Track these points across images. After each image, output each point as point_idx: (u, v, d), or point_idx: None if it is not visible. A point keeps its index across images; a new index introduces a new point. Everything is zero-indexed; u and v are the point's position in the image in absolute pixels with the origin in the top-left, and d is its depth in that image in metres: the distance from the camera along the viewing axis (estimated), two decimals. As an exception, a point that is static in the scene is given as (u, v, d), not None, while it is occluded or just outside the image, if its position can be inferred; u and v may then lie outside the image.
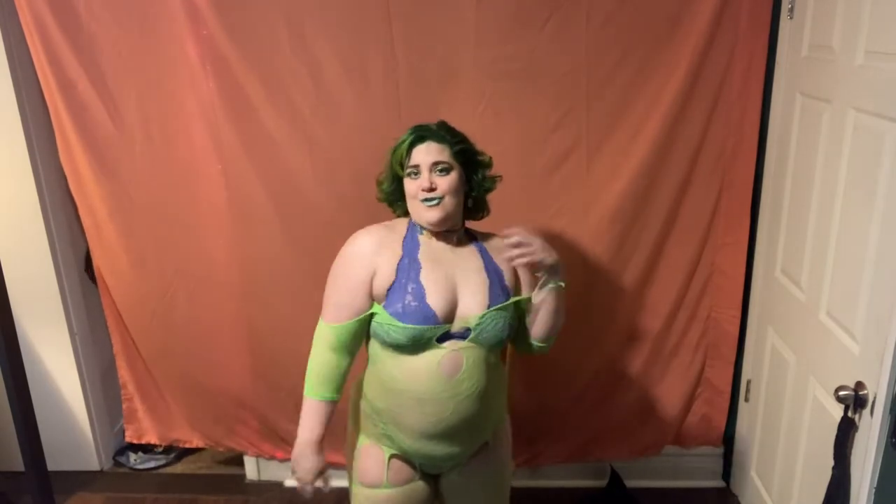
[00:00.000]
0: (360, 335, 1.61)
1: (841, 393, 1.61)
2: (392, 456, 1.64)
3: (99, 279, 2.60)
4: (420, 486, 1.68)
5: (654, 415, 2.53)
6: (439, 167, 1.54)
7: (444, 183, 1.54)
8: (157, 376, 2.70)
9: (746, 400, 2.43)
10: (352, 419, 1.75)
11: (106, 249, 2.52)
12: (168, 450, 2.91)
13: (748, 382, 2.41)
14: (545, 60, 2.14)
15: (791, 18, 2.05)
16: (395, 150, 1.58)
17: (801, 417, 1.97)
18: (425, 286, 1.53)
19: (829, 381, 1.75)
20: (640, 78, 2.15)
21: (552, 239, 2.30)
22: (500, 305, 1.56)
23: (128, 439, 2.81)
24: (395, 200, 1.65)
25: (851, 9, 1.69)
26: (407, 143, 1.56)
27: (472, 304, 1.55)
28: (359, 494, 1.71)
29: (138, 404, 2.76)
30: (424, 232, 1.61)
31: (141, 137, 2.33)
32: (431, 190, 1.53)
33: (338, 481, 1.75)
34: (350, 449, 1.75)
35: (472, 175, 1.61)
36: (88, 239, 2.56)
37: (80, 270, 2.74)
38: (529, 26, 2.11)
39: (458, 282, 1.56)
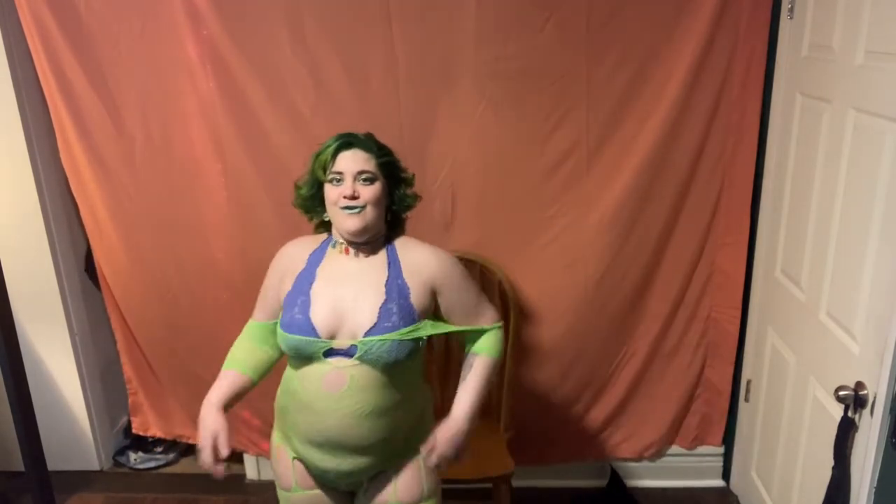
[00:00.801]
0: (274, 336, 1.62)
1: (841, 393, 1.61)
2: (294, 458, 1.62)
3: (101, 277, 2.60)
4: (320, 495, 1.64)
5: (654, 415, 2.53)
6: (363, 176, 1.50)
7: (368, 192, 1.50)
8: (160, 373, 2.71)
9: (746, 400, 2.43)
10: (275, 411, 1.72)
11: (107, 248, 2.52)
12: (168, 450, 2.92)
13: (748, 382, 2.41)
14: (545, 60, 2.14)
15: (791, 18, 2.05)
16: (318, 155, 1.54)
17: (801, 417, 1.97)
18: (312, 300, 1.50)
19: (829, 381, 1.75)
20: (640, 78, 2.15)
21: (552, 239, 2.31)
22: (380, 337, 1.46)
23: (134, 430, 2.82)
24: (313, 206, 1.60)
25: (851, 9, 1.69)
26: (332, 148, 1.52)
27: (361, 322, 1.48)
28: (280, 496, 1.71)
29: (143, 399, 2.77)
30: (337, 245, 1.57)
31: (141, 137, 2.33)
32: (354, 198, 1.48)
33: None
34: (271, 447, 1.73)
35: (395, 189, 1.57)
36: (90, 238, 2.56)
37: (80, 270, 2.74)
38: (529, 26, 2.11)
39: (349, 297, 1.51)
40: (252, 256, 2.39)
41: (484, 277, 2.26)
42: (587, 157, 2.23)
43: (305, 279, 1.55)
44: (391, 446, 1.56)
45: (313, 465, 1.59)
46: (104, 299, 2.66)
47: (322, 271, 1.55)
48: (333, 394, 1.48)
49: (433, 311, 1.59)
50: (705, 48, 2.12)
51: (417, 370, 1.60)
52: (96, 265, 2.60)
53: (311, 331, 1.48)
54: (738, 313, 2.39)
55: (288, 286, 1.56)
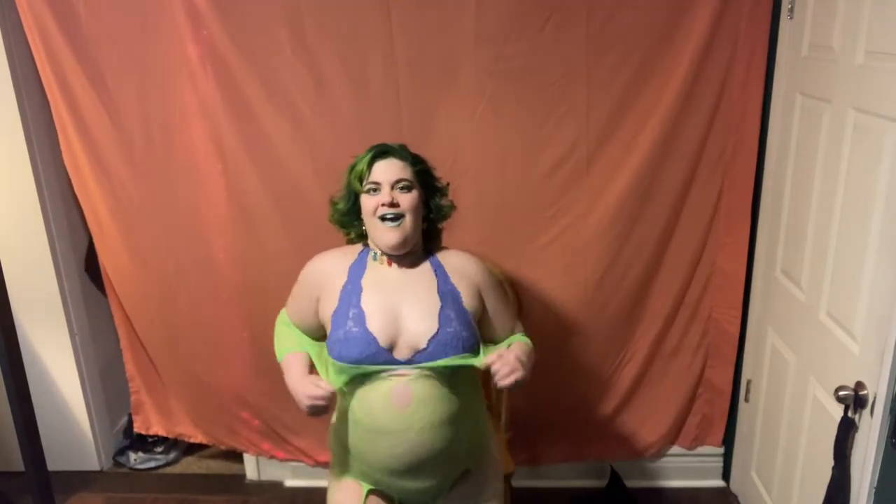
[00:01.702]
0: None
1: (841, 393, 1.61)
2: (370, 491, 1.59)
3: (104, 275, 2.61)
4: None
5: (655, 415, 2.53)
6: (401, 184, 1.50)
7: (406, 200, 1.49)
8: (162, 373, 2.71)
9: (746, 400, 2.43)
10: (332, 451, 1.69)
11: (108, 247, 2.53)
12: (168, 450, 2.92)
13: (748, 382, 2.41)
14: (545, 60, 2.14)
15: (791, 18, 2.04)
16: (354, 166, 1.53)
17: (801, 417, 1.97)
18: (366, 311, 1.48)
19: (829, 381, 1.75)
20: (641, 78, 2.15)
21: (552, 239, 2.31)
22: (442, 362, 1.44)
23: (136, 429, 2.82)
24: (350, 221, 1.59)
25: (851, 9, 1.69)
26: (368, 158, 1.51)
27: (421, 329, 1.46)
28: None
29: (145, 397, 2.78)
30: (378, 258, 1.55)
31: (141, 137, 2.33)
32: (393, 205, 1.47)
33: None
34: (330, 480, 1.69)
35: (430, 199, 1.57)
36: (93, 237, 2.56)
37: (80, 270, 2.74)
38: (529, 26, 2.11)
39: (405, 306, 1.49)
40: (252, 256, 2.39)
41: (484, 277, 2.26)
42: (587, 157, 2.23)
43: (352, 292, 1.51)
44: (467, 448, 1.57)
45: (399, 489, 1.55)
46: (108, 297, 2.66)
47: (367, 282, 1.52)
48: (404, 409, 1.45)
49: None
50: (705, 48, 2.12)
51: (475, 379, 1.60)
52: (100, 263, 2.60)
53: (373, 342, 1.45)
54: (739, 313, 2.39)
55: (332, 303, 1.53)
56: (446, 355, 1.45)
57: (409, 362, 1.46)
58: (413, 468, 1.50)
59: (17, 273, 2.33)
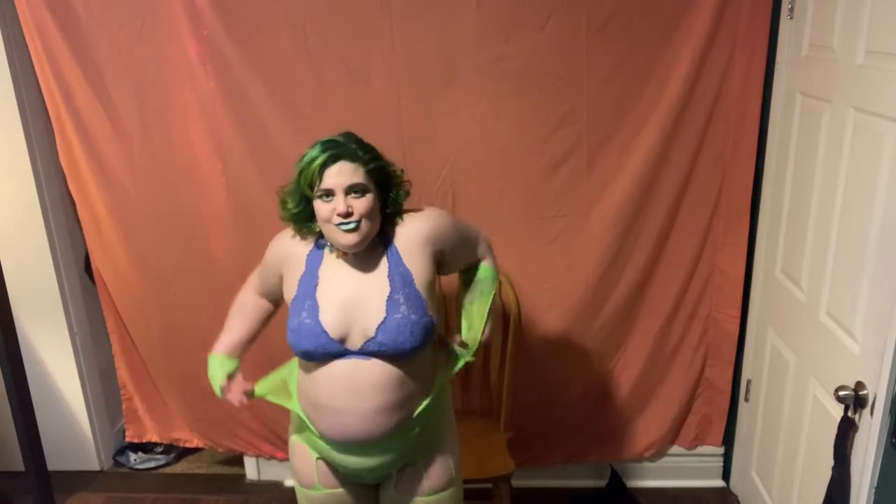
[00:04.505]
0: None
1: (841, 393, 1.61)
2: (318, 458, 1.62)
3: (98, 279, 2.60)
4: (342, 493, 1.64)
5: (655, 415, 2.53)
6: (354, 189, 1.45)
7: (361, 205, 1.44)
8: (157, 377, 2.71)
9: (746, 400, 2.43)
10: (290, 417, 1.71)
11: (105, 249, 2.52)
12: (168, 450, 2.92)
13: (748, 382, 2.41)
14: (545, 60, 2.14)
15: (791, 18, 2.04)
16: (302, 171, 1.47)
17: (801, 417, 1.97)
18: (320, 303, 1.48)
19: (829, 381, 1.75)
20: (641, 78, 2.15)
21: (552, 239, 2.31)
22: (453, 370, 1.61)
23: (128, 439, 2.81)
24: (302, 220, 1.54)
25: (851, 9, 1.69)
26: (318, 164, 1.44)
27: (371, 318, 1.47)
28: (298, 492, 1.70)
29: (138, 404, 2.77)
30: (333, 250, 1.54)
31: (140, 137, 2.33)
32: (348, 214, 1.44)
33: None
34: (289, 445, 1.72)
35: (387, 193, 1.52)
36: (87, 239, 2.56)
37: (80, 270, 2.74)
38: (529, 26, 2.11)
39: (357, 296, 1.49)
40: (252, 256, 2.37)
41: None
42: (587, 157, 2.23)
43: (309, 283, 1.52)
44: (415, 439, 1.57)
45: (338, 464, 1.58)
46: (101, 302, 2.66)
47: (324, 273, 1.53)
48: (353, 393, 1.47)
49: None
50: (705, 48, 2.12)
51: (430, 361, 1.59)
52: (94, 268, 2.60)
53: (322, 334, 1.46)
54: (738, 313, 2.39)
55: (291, 288, 1.54)
56: (395, 342, 1.46)
57: (360, 351, 1.47)
58: (356, 445, 1.53)
59: (17, 273, 2.33)
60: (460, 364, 1.63)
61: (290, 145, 2.25)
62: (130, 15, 2.21)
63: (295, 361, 1.64)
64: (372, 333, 1.46)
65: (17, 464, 2.26)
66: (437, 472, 1.62)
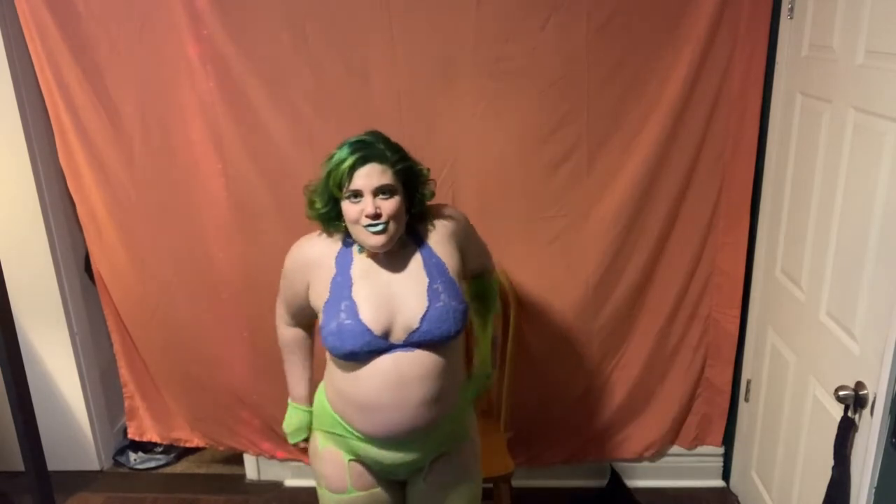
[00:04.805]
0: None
1: (841, 393, 1.61)
2: (351, 460, 1.61)
3: (98, 279, 2.60)
4: (380, 492, 1.64)
5: (654, 415, 2.53)
6: (383, 191, 1.45)
7: (389, 206, 1.45)
8: (157, 376, 2.71)
9: (746, 400, 2.43)
10: (315, 420, 1.71)
11: (105, 249, 2.52)
12: (168, 450, 2.92)
13: (748, 382, 2.41)
14: (545, 60, 2.14)
15: (791, 18, 2.05)
16: (331, 172, 1.47)
17: (801, 417, 1.97)
18: (358, 302, 1.48)
19: (829, 381, 1.75)
20: (641, 78, 2.15)
21: (552, 239, 2.31)
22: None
23: (130, 436, 2.82)
24: (329, 220, 1.55)
25: (851, 9, 1.69)
26: (347, 165, 1.45)
27: (412, 309, 1.48)
28: (325, 498, 1.68)
29: (139, 402, 2.77)
30: (363, 251, 1.54)
31: (140, 137, 2.33)
32: (377, 216, 1.44)
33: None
34: (312, 451, 1.71)
35: (414, 192, 1.53)
36: (87, 239, 2.56)
37: (80, 270, 2.74)
38: (529, 26, 2.11)
39: (395, 290, 1.50)
40: (252, 257, 2.39)
41: (484, 277, 2.26)
42: (587, 157, 2.23)
43: (343, 284, 1.51)
44: (450, 428, 1.60)
45: (377, 461, 1.58)
46: (101, 302, 2.65)
47: (356, 273, 1.53)
48: (400, 387, 1.49)
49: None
50: (705, 48, 2.12)
51: (462, 348, 1.64)
52: (94, 268, 2.60)
53: (366, 332, 1.46)
54: (738, 313, 2.39)
55: (322, 293, 1.53)
56: (440, 329, 1.49)
57: (405, 344, 1.49)
58: (399, 440, 1.54)
59: (17, 273, 2.33)
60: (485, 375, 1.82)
61: (290, 145, 2.25)
62: (130, 15, 2.21)
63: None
64: (416, 324, 1.48)
65: (17, 464, 2.26)
66: (466, 462, 1.67)
